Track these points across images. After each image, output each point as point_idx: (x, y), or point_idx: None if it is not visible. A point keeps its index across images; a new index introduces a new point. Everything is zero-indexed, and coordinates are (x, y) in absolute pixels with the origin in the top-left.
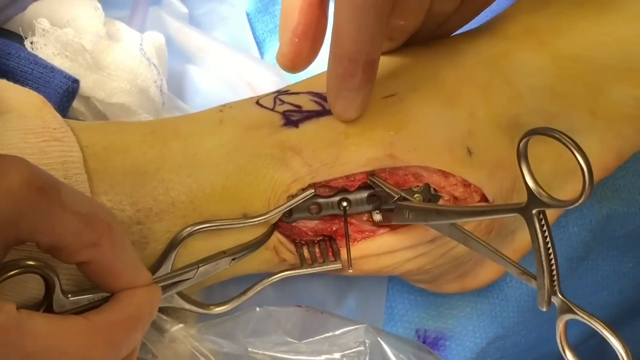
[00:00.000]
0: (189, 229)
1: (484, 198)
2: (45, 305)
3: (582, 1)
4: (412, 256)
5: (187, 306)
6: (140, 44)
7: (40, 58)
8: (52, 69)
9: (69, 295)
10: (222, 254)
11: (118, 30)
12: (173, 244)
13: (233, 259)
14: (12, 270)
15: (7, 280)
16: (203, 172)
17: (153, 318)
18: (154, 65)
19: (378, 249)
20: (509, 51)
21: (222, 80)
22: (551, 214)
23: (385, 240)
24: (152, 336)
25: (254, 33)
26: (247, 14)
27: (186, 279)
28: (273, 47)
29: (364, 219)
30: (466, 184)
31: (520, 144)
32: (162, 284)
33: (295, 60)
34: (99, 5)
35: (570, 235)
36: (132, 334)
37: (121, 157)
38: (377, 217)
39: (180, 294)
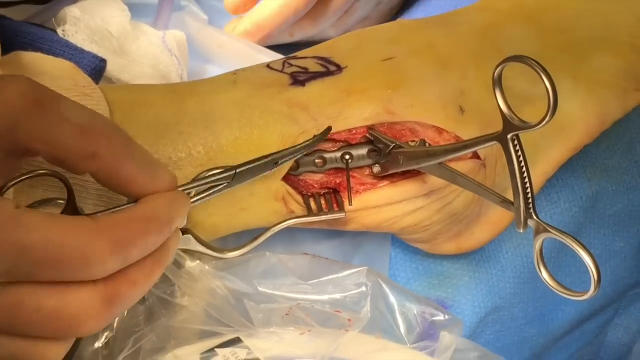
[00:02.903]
0: (202, 173)
1: (476, 155)
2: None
3: None
4: (410, 210)
5: (202, 249)
6: (163, 37)
7: (70, 42)
8: (81, 51)
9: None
10: (265, 157)
11: (143, 32)
12: None
13: (275, 164)
14: (25, 175)
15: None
16: (218, 126)
17: (174, 223)
18: (175, 56)
19: (378, 200)
20: (498, 23)
21: None
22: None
23: (385, 192)
24: (172, 271)
25: None
26: None
27: (220, 185)
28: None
29: (366, 173)
30: (459, 140)
31: (495, 72)
32: (195, 187)
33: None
34: (126, 7)
35: (561, 210)
36: (140, 234)
37: (144, 111)
38: (376, 169)
39: (197, 238)
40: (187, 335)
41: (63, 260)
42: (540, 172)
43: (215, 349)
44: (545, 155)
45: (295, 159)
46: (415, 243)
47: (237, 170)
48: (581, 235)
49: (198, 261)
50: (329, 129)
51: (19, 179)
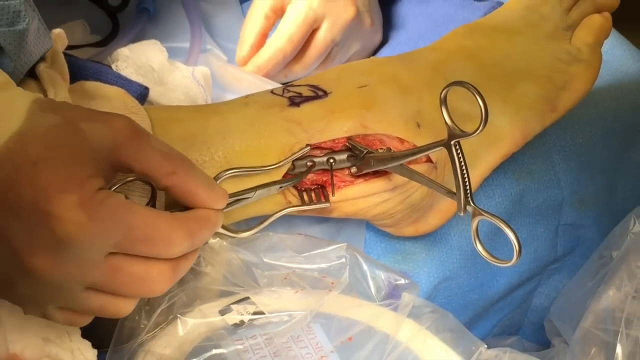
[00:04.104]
0: (222, 173)
1: (429, 159)
2: None
3: (496, 29)
4: (380, 201)
5: (222, 230)
6: (192, 72)
7: (122, 74)
8: (130, 81)
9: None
10: (273, 183)
11: (177, 68)
12: None
13: (280, 187)
14: (127, 179)
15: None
16: (233, 136)
17: (219, 224)
18: (202, 86)
19: (355, 194)
20: (446, 59)
21: None
22: (479, 179)
23: (360, 188)
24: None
25: None
26: None
27: (247, 198)
28: None
29: (346, 173)
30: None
31: (442, 93)
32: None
33: (246, 62)
34: (164, 49)
35: (496, 203)
36: (203, 229)
37: (177, 125)
38: (354, 169)
39: None
40: (210, 295)
41: (155, 239)
42: (479, 173)
43: (231, 305)
44: (482, 161)
45: (290, 185)
46: (383, 227)
47: (257, 191)
48: (511, 223)
49: (218, 239)
50: (310, 168)
51: (123, 182)
